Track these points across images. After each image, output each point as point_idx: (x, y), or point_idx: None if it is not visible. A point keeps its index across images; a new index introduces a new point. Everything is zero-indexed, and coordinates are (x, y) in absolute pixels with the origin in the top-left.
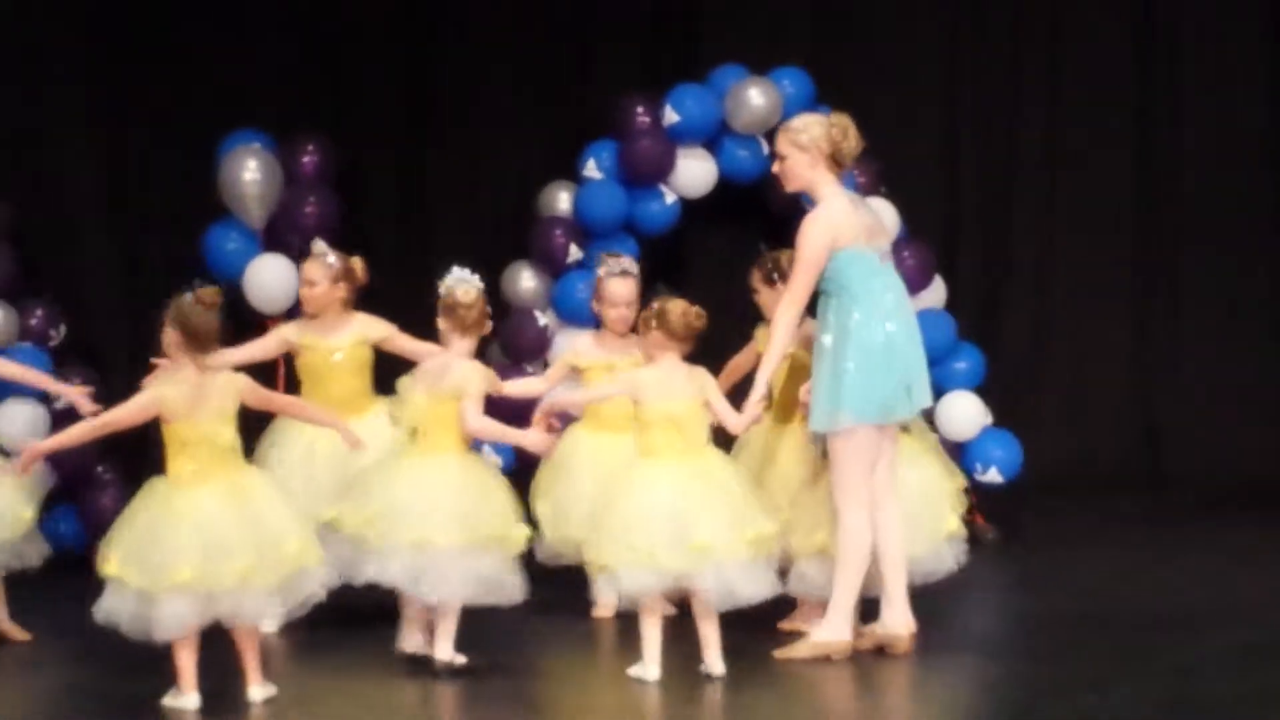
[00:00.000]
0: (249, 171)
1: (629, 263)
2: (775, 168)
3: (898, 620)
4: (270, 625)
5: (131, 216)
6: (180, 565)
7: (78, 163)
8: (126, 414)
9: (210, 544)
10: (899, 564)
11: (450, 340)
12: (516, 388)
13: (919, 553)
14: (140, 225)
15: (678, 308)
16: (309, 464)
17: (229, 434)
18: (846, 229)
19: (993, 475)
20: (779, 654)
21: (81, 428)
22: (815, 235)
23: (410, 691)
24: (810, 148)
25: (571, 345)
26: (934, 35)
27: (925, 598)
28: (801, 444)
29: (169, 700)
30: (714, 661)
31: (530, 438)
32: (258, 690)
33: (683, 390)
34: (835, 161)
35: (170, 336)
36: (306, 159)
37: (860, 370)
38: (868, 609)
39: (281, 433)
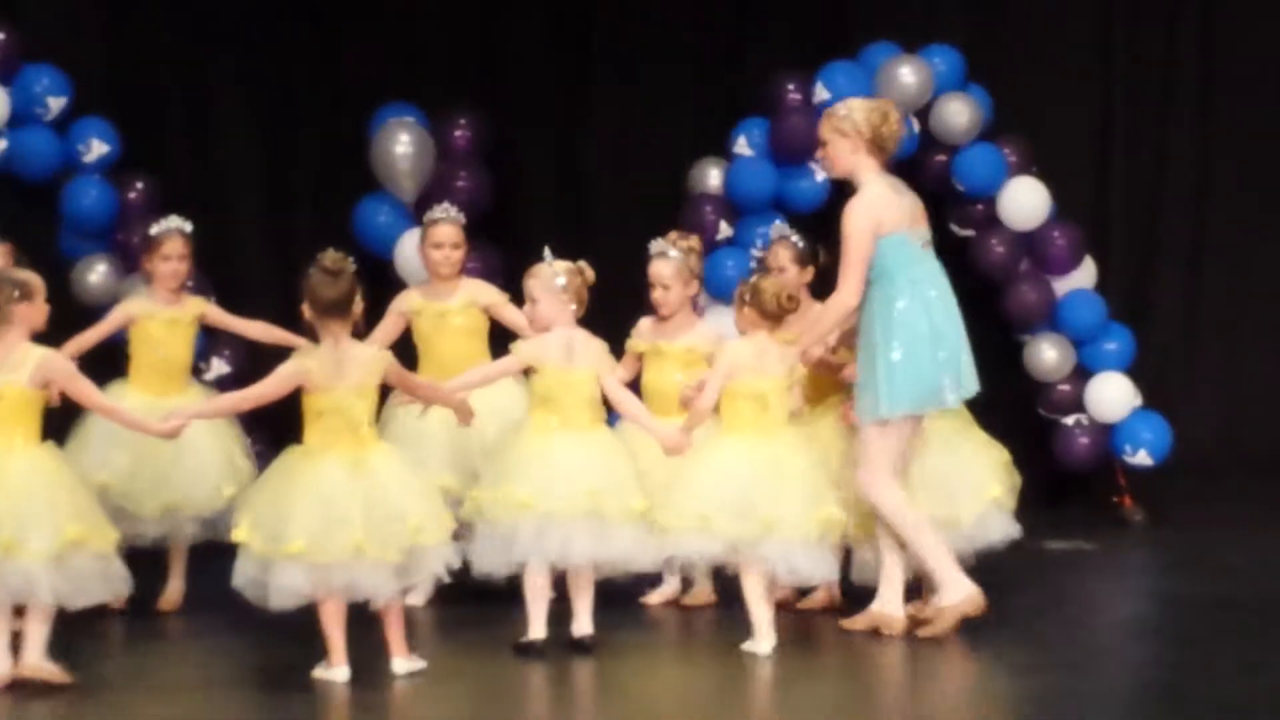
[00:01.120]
0: (401, 145)
1: (664, 244)
2: (819, 153)
3: (895, 603)
4: (417, 598)
5: (283, 189)
6: (295, 534)
7: (231, 136)
8: (273, 385)
9: (326, 515)
10: (895, 548)
11: (559, 315)
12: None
13: (965, 521)
14: (292, 198)
15: (771, 287)
16: (419, 441)
17: (363, 408)
18: (889, 215)
19: (1142, 457)
20: (924, 632)
21: (230, 398)
22: (859, 222)
23: (539, 672)
24: (851, 133)
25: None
26: (1087, 14)
27: (1072, 579)
28: (836, 426)
29: (319, 672)
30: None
31: (671, 437)
32: (402, 664)
33: (774, 368)
34: (878, 147)
35: (306, 311)
36: (459, 134)
37: (906, 360)
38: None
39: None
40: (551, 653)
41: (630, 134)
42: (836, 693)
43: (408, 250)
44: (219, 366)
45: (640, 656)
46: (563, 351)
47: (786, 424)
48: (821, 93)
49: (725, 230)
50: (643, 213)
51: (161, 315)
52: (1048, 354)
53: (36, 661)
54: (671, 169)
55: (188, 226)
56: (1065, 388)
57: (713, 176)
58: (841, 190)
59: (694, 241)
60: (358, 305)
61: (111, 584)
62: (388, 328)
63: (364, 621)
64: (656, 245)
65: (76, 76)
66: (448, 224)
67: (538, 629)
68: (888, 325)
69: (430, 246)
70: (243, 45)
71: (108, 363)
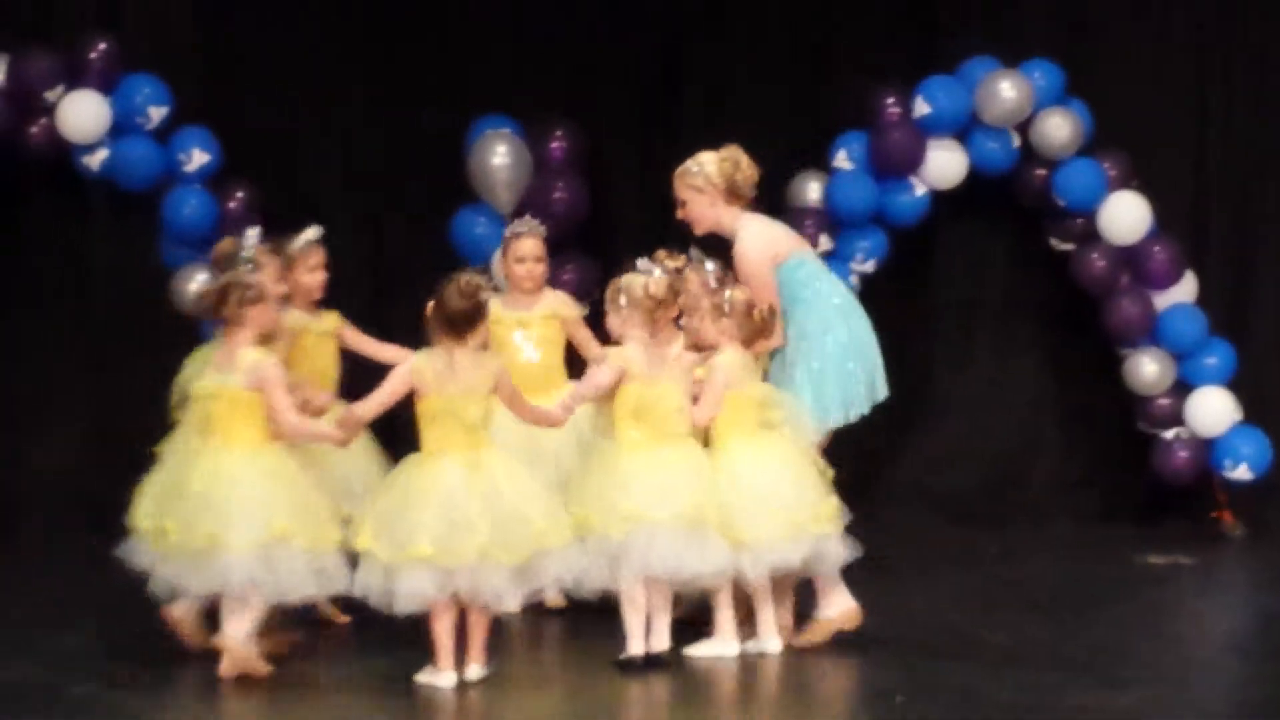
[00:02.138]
0: (498, 156)
1: (650, 264)
2: (679, 214)
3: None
4: (513, 604)
5: (380, 199)
6: (421, 539)
7: (326, 146)
8: (390, 387)
9: (450, 518)
10: None
11: (647, 330)
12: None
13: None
14: (389, 208)
15: (745, 297)
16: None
17: (477, 412)
18: (778, 243)
19: (1241, 472)
20: (797, 641)
21: (369, 406)
22: (755, 260)
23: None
24: (706, 188)
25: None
26: (1185, 27)
27: (1171, 593)
28: None
29: (423, 676)
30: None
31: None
32: (476, 669)
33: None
34: (735, 195)
35: (432, 314)
36: (555, 145)
37: (827, 374)
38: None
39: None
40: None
41: (722, 146)
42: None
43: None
44: None
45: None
46: (645, 362)
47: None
48: (921, 107)
49: (825, 244)
50: None
51: (314, 328)
52: (1148, 368)
53: (241, 653)
54: (769, 182)
55: (542, 228)
56: (1165, 402)
57: (813, 190)
58: (940, 204)
59: (681, 261)
60: (481, 330)
61: (325, 581)
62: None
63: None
64: (643, 264)
65: (176, 86)
66: (530, 238)
67: (638, 644)
68: (806, 345)
69: (513, 260)
70: (340, 56)
71: None
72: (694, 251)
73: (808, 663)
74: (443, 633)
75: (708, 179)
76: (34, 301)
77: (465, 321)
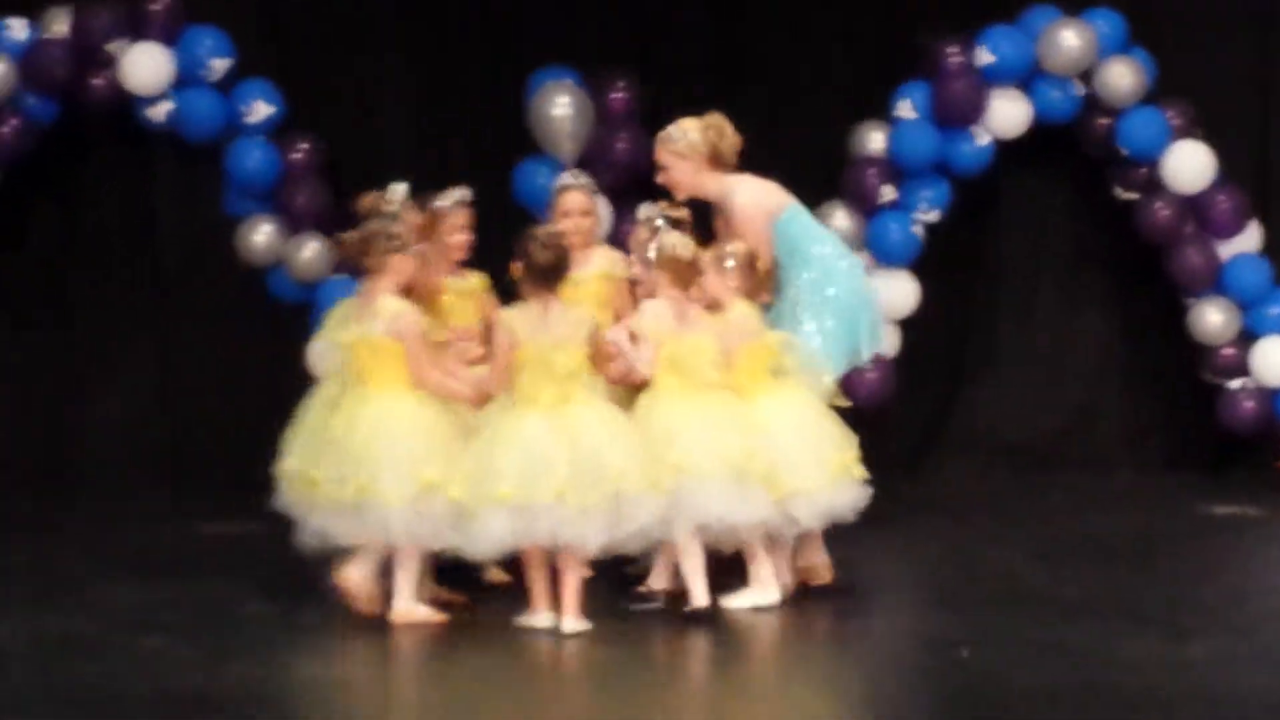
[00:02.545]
0: (560, 107)
1: (653, 210)
2: (660, 178)
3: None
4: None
5: (442, 151)
6: (500, 481)
7: (389, 97)
8: (501, 347)
9: (530, 462)
10: None
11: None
12: None
13: (815, 491)
14: (451, 160)
15: (748, 253)
16: None
17: (568, 361)
18: (770, 197)
19: None
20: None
21: (500, 366)
22: (753, 215)
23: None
24: (690, 154)
25: None
26: None
27: (1236, 543)
28: None
29: (522, 619)
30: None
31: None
32: (570, 622)
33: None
34: (717, 162)
35: (520, 271)
36: (616, 96)
37: (832, 323)
38: None
39: None
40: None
41: (786, 97)
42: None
43: None
44: None
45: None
46: (677, 316)
47: None
48: (984, 56)
49: (889, 194)
50: (798, 175)
51: (454, 286)
52: (1212, 318)
53: (406, 606)
54: (830, 132)
55: (589, 181)
56: (1230, 352)
57: (875, 140)
58: (1003, 154)
59: (684, 213)
60: (566, 280)
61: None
62: None
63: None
64: (645, 211)
65: (238, 38)
66: (577, 191)
67: (702, 595)
68: (811, 294)
69: (560, 215)
70: (401, 7)
71: None
72: (648, 208)
73: (875, 613)
74: (537, 577)
75: (691, 146)
76: (98, 254)
77: (553, 272)
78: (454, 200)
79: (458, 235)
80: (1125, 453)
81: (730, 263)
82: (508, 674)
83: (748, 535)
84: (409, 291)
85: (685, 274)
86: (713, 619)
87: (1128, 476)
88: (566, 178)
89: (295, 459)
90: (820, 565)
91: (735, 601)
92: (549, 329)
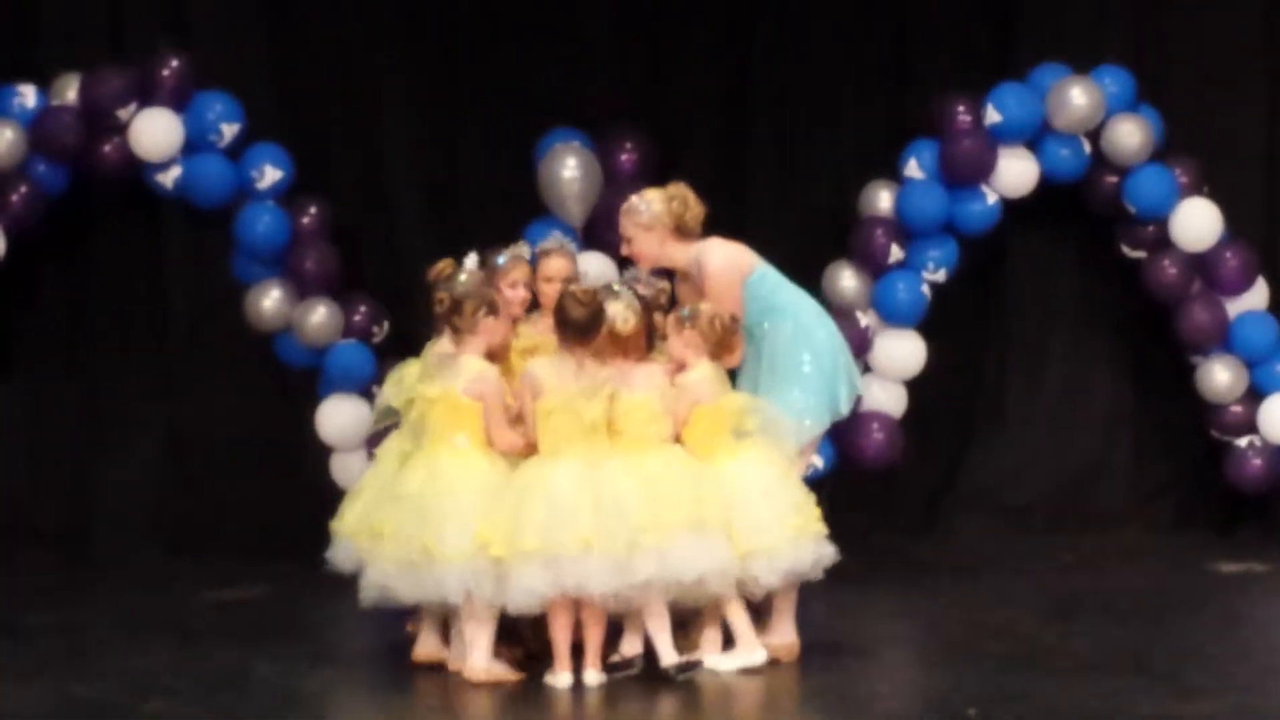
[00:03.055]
0: (569, 170)
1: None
2: (624, 250)
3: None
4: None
5: (451, 213)
6: (528, 533)
7: (397, 161)
8: (520, 396)
9: (556, 512)
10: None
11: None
12: None
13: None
14: (460, 222)
15: (708, 310)
16: None
17: (595, 411)
18: (741, 259)
19: None
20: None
21: (518, 431)
22: (726, 278)
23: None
24: (654, 225)
25: None
26: (1257, 33)
27: (1244, 601)
28: None
29: (549, 678)
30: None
31: None
32: (593, 675)
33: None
34: (682, 232)
35: (556, 327)
36: (625, 156)
37: (814, 376)
38: None
39: None
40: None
41: (795, 156)
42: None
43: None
44: None
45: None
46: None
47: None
48: (992, 114)
49: (896, 253)
50: (806, 234)
51: (515, 345)
52: (1220, 375)
53: (483, 664)
54: (839, 191)
55: (572, 246)
56: (1238, 409)
57: (883, 199)
58: (1013, 214)
59: (665, 284)
60: (604, 338)
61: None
62: None
63: None
64: (625, 278)
65: (248, 103)
66: (560, 256)
67: (669, 653)
68: (787, 352)
69: (542, 280)
70: (409, 70)
71: None
72: (557, 237)
73: (882, 671)
74: (559, 634)
75: (655, 217)
76: (109, 319)
77: (589, 327)
78: (512, 255)
79: (518, 290)
80: (1134, 510)
81: (689, 325)
82: None
83: (721, 591)
84: (494, 354)
85: (626, 346)
86: (688, 669)
87: (1136, 534)
88: (549, 242)
89: (359, 512)
90: (785, 646)
91: (723, 664)
92: (577, 379)
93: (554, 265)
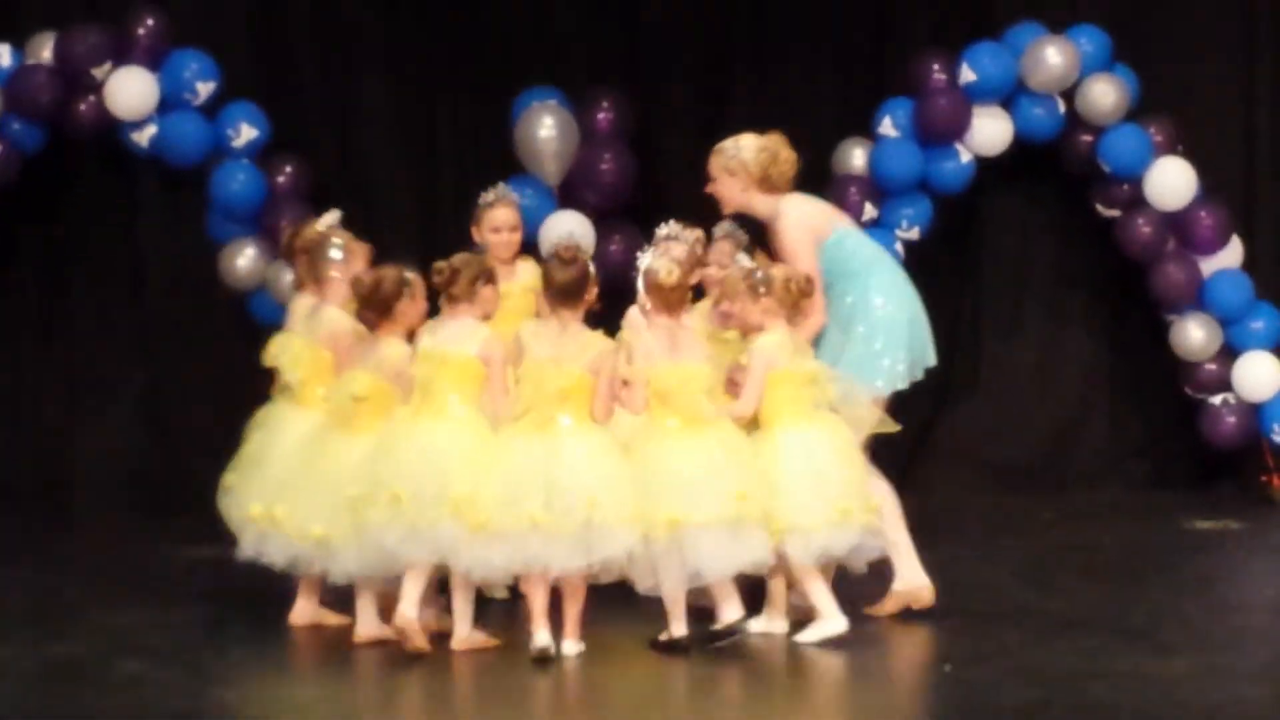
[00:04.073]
0: (545, 128)
1: (674, 229)
2: (708, 188)
3: (916, 573)
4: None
5: (427, 172)
6: (481, 507)
7: (374, 120)
8: (511, 360)
9: (509, 486)
10: (899, 518)
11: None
12: None
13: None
14: (436, 180)
15: (781, 274)
16: None
17: (561, 382)
18: (819, 221)
19: None
20: (870, 610)
21: (505, 397)
22: (798, 240)
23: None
24: (740, 172)
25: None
26: None
27: (1220, 558)
28: None
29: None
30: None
31: None
32: (570, 645)
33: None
34: (769, 185)
35: (543, 290)
36: (602, 115)
37: (884, 342)
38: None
39: None
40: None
41: (772, 114)
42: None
43: (553, 232)
44: None
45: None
46: (669, 345)
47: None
48: (967, 73)
49: (870, 211)
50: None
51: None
52: (1194, 334)
53: (466, 634)
54: (814, 149)
55: (514, 195)
56: (1212, 367)
57: (857, 157)
58: (987, 172)
59: (699, 233)
60: (591, 293)
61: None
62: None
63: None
64: (667, 229)
65: (224, 61)
66: (504, 206)
67: (680, 626)
68: (858, 315)
69: (489, 230)
70: (386, 29)
71: None
72: (727, 225)
73: (859, 631)
74: (535, 598)
75: (743, 164)
76: (83, 278)
77: (576, 288)
78: (495, 197)
79: (501, 234)
80: (1110, 469)
81: (764, 287)
82: (502, 695)
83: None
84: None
85: (671, 300)
86: (687, 650)
87: (1112, 492)
88: (491, 193)
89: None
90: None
91: (808, 636)
92: (554, 347)
93: (499, 216)
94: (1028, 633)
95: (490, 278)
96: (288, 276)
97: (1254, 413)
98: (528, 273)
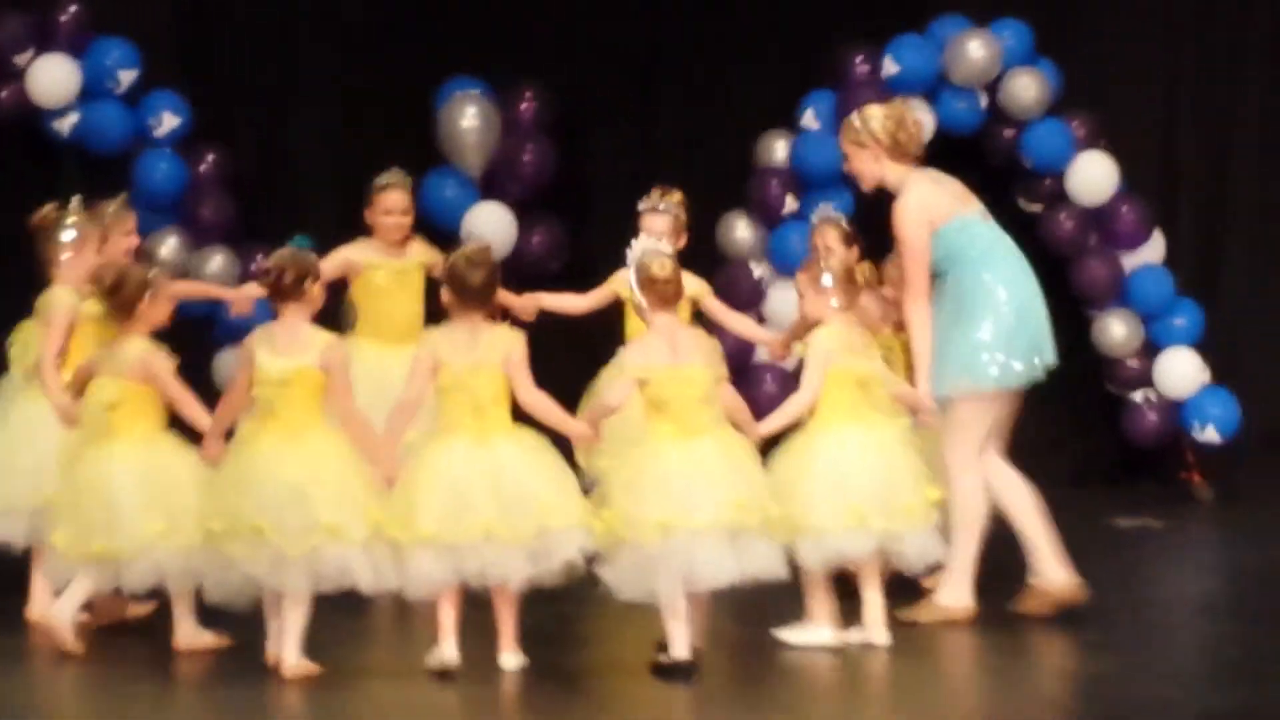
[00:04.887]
0: (467, 119)
1: (661, 201)
2: (845, 168)
3: (1057, 570)
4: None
5: (350, 162)
6: (425, 519)
7: (297, 110)
8: (420, 375)
9: (455, 497)
10: (1033, 511)
11: (661, 310)
12: (554, 301)
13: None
14: (358, 171)
15: (839, 264)
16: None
17: (489, 387)
18: (939, 205)
19: (1210, 433)
20: (903, 615)
21: (401, 413)
22: (911, 222)
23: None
24: (869, 143)
25: (621, 274)
26: None
27: (1141, 556)
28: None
29: (430, 658)
30: (879, 630)
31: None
32: (509, 658)
33: (865, 349)
34: (900, 152)
35: (445, 295)
36: (524, 106)
37: (994, 335)
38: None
39: None
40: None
41: (696, 106)
42: (902, 674)
43: (475, 223)
44: None
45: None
46: (668, 346)
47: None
48: (890, 66)
49: (791, 204)
50: (709, 186)
51: (391, 267)
52: (1116, 329)
53: (300, 659)
54: (739, 142)
55: (407, 179)
56: (1133, 363)
57: (779, 149)
58: None
59: (679, 195)
60: (497, 295)
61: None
62: (326, 270)
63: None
64: (649, 201)
65: (146, 49)
66: (398, 189)
67: (682, 648)
68: (971, 304)
69: (381, 213)
70: (310, 17)
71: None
72: (826, 208)
73: (764, 623)
74: (445, 616)
75: (871, 134)
76: (2, 267)
77: (484, 290)
78: (388, 180)
79: (393, 216)
80: (1031, 465)
81: (827, 279)
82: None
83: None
84: None
85: (667, 293)
86: (689, 675)
87: (1034, 489)
88: (386, 176)
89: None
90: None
91: (792, 637)
92: (471, 352)
93: (392, 199)
94: (947, 629)
95: (317, 274)
96: (211, 266)
97: (1175, 410)
98: (419, 250)
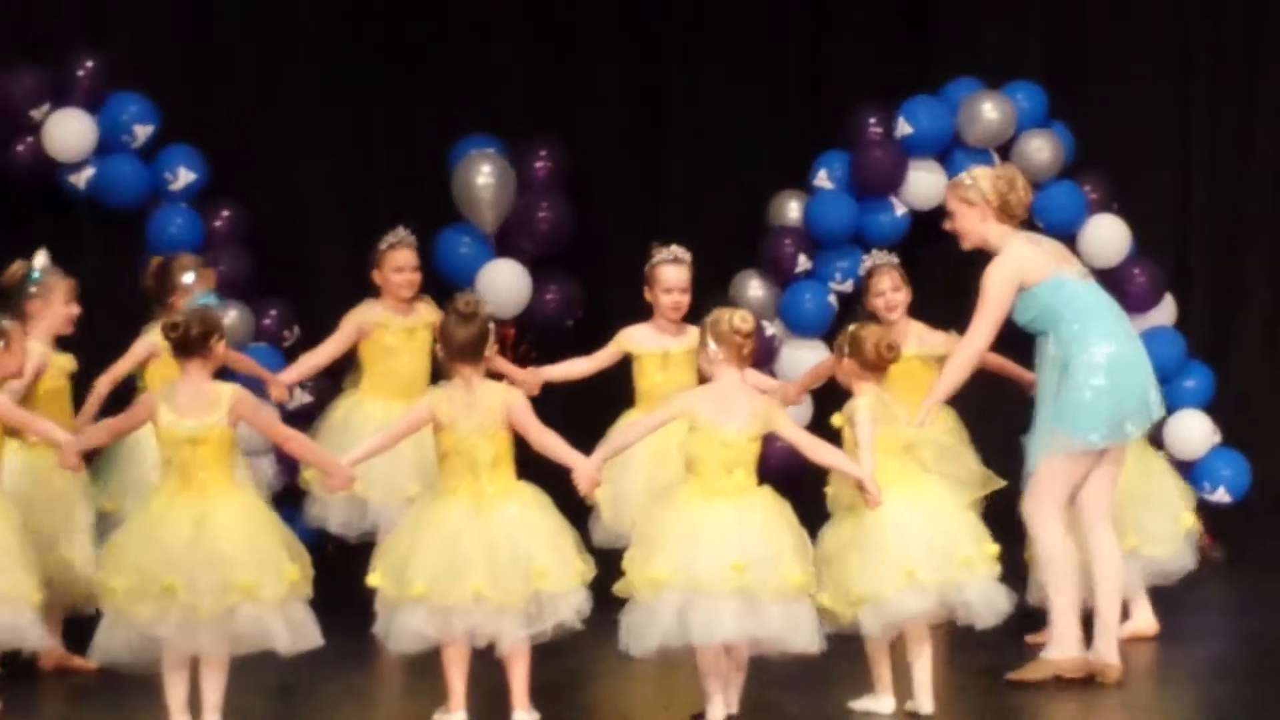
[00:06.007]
0: (482, 176)
1: (680, 250)
2: (947, 225)
3: (1109, 649)
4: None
5: (365, 218)
6: (417, 577)
7: (312, 166)
8: (408, 423)
9: (448, 558)
10: (1115, 593)
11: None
12: (559, 371)
13: (1160, 554)
14: (373, 228)
15: (871, 336)
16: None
17: (488, 449)
18: (1033, 266)
19: (1221, 495)
20: (1012, 676)
21: (377, 437)
22: (998, 279)
23: None
24: (979, 202)
25: (626, 333)
26: (1168, 51)
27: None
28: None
29: (437, 717)
30: (925, 698)
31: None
32: (522, 715)
33: (897, 415)
34: (1006, 213)
35: (439, 352)
36: (539, 164)
37: (1095, 392)
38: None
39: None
40: None
41: (710, 165)
42: None
43: (489, 280)
44: (300, 396)
45: None
46: (716, 405)
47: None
48: (903, 127)
49: (804, 263)
50: (722, 245)
51: (401, 325)
52: None
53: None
54: (751, 201)
55: (412, 238)
56: None
57: (792, 209)
58: (920, 224)
59: (686, 254)
60: (491, 349)
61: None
62: (343, 339)
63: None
64: (668, 252)
65: (162, 104)
66: (406, 248)
67: (717, 709)
68: (1071, 362)
69: (391, 271)
70: (324, 75)
71: None
72: (880, 254)
73: None
74: (453, 674)
75: (981, 193)
76: None
77: (477, 345)
78: (396, 239)
79: (404, 274)
80: None
81: (849, 347)
82: None
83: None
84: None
85: (745, 349)
86: None
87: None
88: (394, 235)
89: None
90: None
91: (859, 704)
92: (470, 413)
93: (402, 257)
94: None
95: (222, 332)
96: (226, 321)
97: (1186, 471)
98: (427, 311)
